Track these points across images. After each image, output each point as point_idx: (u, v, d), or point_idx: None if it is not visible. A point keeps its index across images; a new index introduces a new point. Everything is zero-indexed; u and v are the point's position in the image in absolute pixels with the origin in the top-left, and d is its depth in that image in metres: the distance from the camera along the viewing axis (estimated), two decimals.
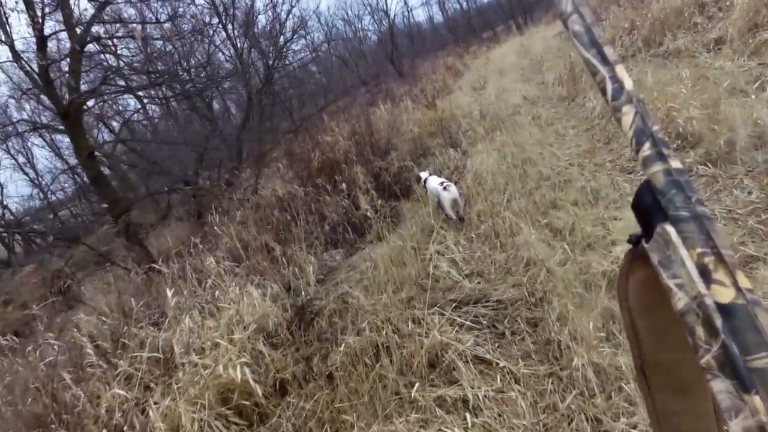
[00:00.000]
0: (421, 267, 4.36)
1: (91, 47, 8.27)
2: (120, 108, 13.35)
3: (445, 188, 5.00)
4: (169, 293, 4.33)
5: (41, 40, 7.21)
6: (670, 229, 0.41)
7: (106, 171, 11.03)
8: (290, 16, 14.57)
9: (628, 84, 0.45)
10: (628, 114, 0.45)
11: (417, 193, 6.20)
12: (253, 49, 13.24)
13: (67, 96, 7.52)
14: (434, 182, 5.28)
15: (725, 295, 0.37)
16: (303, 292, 4.84)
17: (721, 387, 0.36)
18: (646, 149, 0.44)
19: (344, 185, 6.76)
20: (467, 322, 3.39)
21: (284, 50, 14.39)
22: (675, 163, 0.42)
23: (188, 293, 4.80)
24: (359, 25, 25.03)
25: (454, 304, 3.66)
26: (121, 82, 8.65)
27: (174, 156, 10.71)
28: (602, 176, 4.65)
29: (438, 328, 3.22)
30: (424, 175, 5.62)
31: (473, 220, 4.94)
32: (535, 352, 2.92)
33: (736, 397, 0.35)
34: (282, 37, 13.99)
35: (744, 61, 5.45)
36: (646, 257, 0.44)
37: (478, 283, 3.91)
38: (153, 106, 13.12)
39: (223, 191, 8.54)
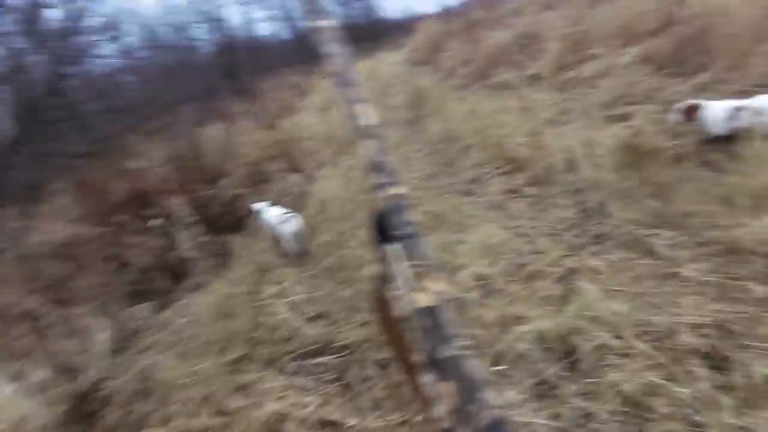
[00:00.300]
0: (254, 316, 4.05)
1: None
2: None
3: (284, 221, 4.77)
4: None
5: None
6: (393, 247, 0.49)
7: None
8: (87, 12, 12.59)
9: (372, 119, 0.54)
10: (368, 145, 0.54)
11: (250, 228, 5.83)
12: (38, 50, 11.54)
13: None
14: (271, 214, 5.01)
15: (426, 300, 0.46)
16: (83, 374, 3.83)
17: (427, 379, 0.43)
18: (377, 177, 0.53)
19: (158, 221, 5.82)
20: (309, 381, 3.19)
21: (80, 53, 12.72)
22: (395, 190, 0.52)
23: None
24: (190, 34, 23.60)
25: (294, 358, 3.44)
26: None
27: None
28: (445, 200, 4.98)
29: (274, 394, 2.98)
30: (257, 207, 5.30)
31: (317, 253, 4.87)
32: (387, 398, 2.81)
33: (437, 385, 0.42)
34: (76, 37, 12.24)
35: (553, 95, 6.46)
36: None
37: (323, 327, 3.72)
38: None
39: None
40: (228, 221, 6.12)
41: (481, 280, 3.35)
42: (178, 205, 5.79)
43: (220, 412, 2.96)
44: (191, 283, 4.96)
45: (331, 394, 2.99)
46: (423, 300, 0.47)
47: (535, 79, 7.74)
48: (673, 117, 4.09)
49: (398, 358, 0.61)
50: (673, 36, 6.09)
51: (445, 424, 0.42)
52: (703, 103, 3.94)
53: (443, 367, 0.43)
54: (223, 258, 5.31)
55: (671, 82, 5.43)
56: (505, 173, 4.96)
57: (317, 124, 10.99)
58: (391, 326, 0.58)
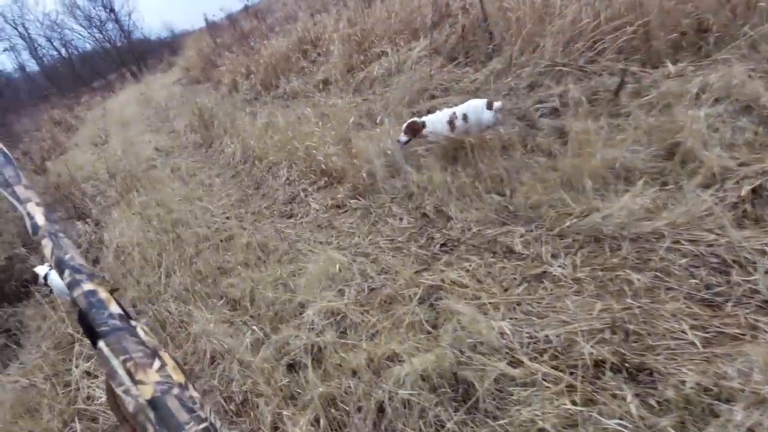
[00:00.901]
0: (65, 405, 2.97)
1: None
2: None
3: (74, 283, 3.60)
4: None
5: None
6: (102, 344, 0.44)
7: None
8: None
9: (40, 220, 0.49)
10: (47, 246, 0.48)
11: (41, 293, 4.44)
12: None
13: None
14: (58, 279, 3.77)
15: (147, 391, 0.42)
16: None
17: None
18: (67, 276, 0.49)
19: None
20: None
21: None
22: (87, 286, 0.47)
23: None
24: None
25: None
26: None
27: None
28: (264, 226, 4.14)
29: None
30: (42, 270, 3.95)
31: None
32: None
33: None
34: None
35: (351, 98, 5.88)
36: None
37: None
38: None
39: None
40: (9, 290, 5.06)
41: (332, 315, 2.68)
42: None
43: None
44: None
45: None
46: (146, 392, 0.42)
47: (325, 84, 7.04)
48: (402, 139, 3.74)
49: None
50: (456, 26, 5.55)
51: None
52: (424, 119, 3.78)
53: None
54: (13, 335, 4.38)
55: (467, 72, 5.02)
56: (322, 188, 4.27)
57: (95, 161, 9.05)
58: (129, 424, 0.47)
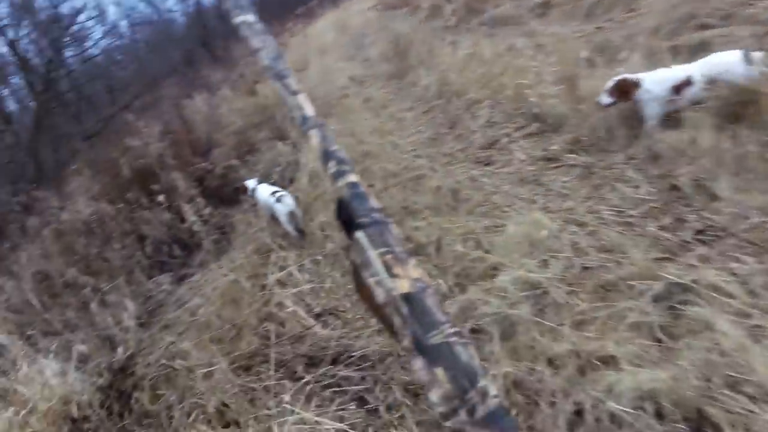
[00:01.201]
0: (260, 305, 3.23)
1: None
2: None
3: (278, 200, 3.85)
4: None
5: None
6: (360, 234, 0.46)
7: None
8: None
9: (310, 111, 0.52)
10: (314, 137, 0.51)
11: (247, 203, 4.92)
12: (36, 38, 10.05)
13: None
14: (265, 192, 4.08)
15: (404, 286, 0.43)
16: (120, 347, 3.39)
17: (418, 365, 0.40)
18: (332, 167, 0.52)
19: (162, 196, 5.23)
20: (327, 395, 2.34)
21: (65, 39, 11.09)
22: (352, 177, 0.50)
23: None
24: (163, 7, 21.17)
25: (307, 364, 2.60)
26: None
27: None
28: (457, 170, 3.84)
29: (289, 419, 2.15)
30: (251, 184, 4.32)
31: (316, 234, 3.85)
32: None
33: (428, 372, 0.40)
34: (58, 24, 10.59)
35: (579, 26, 4.95)
36: None
37: (333, 328, 2.87)
38: None
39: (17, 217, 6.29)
40: (225, 193, 5.52)
41: (531, 287, 2.27)
42: (178, 179, 5.40)
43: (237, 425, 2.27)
44: (201, 257, 4.52)
45: (355, 418, 2.18)
46: (402, 286, 0.43)
47: (545, 7, 6.01)
48: (604, 100, 3.01)
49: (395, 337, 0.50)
50: None
51: (440, 409, 0.38)
52: (640, 77, 2.87)
53: (433, 354, 0.39)
54: (226, 233, 4.84)
55: None
56: (532, 135, 3.68)
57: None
58: (379, 313, 0.50)
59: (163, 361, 2.99)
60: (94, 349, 3.39)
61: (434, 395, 0.40)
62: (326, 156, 0.54)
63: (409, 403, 2.18)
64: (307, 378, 2.48)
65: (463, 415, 0.38)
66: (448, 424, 0.38)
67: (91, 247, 4.90)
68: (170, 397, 2.63)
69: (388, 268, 0.44)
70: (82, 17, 12.41)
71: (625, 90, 2.92)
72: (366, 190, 0.51)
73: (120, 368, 3.20)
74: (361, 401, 2.31)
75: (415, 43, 7.63)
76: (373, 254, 0.45)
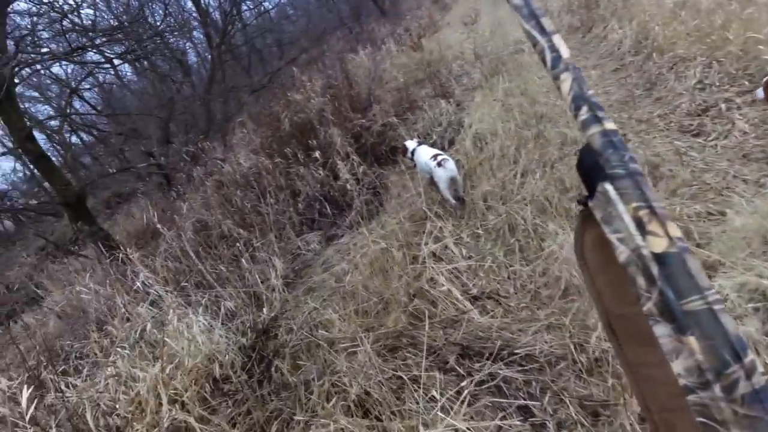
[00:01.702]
0: (411, 279, 3.00)
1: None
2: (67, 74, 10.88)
3: (439, 164, 3.56)
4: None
5: None
6: (608, 186, 0.39)
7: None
8: None
9: (565, 52, 0.44)
10: (566, 81, 0.43)
11: (403, 164, 4.74)
12: None
13: None
14: (425, 154, 3.80)
15: (659, 244, 0.36)
16: (265, 309, 3.54)
17: (662, 331, 0.36)
18: (584, 113, 0.42)
19: (318, 152, 5.33)
20: (484, 398, 2.03)
21: None
22: (609, 125, 0.41)
23: (120, 324, 3.44)
24: None
25: (461, 355, 2.32)
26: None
27: (135, 125, 9.06)
28: (655, 140, 3.14)
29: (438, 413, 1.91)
30: (411, 145, 4.07)
31: (477, 205, 3.51)
32: None
33: (675, 339, 0.35)
34: None
35: None
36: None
37: (492, 315, 2.56)
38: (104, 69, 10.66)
39: (185, 166, 6.97)
40: (381, 152, 5.49)
41: (763, 298, 1.75)
42: (335, 135, 5.41)
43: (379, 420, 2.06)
44: (351, 218, 4.51)
45: None
46: (656, 245, 0.35)
47: None
48: (760, 95, 2.64)
49: (603, 311, 0.47)
50: None
51: (686, 382, 0.34)
52: None
53: (687, 322, 0.34)
54: (379, 194, 4.75)
55: None
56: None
57: (463, 41, 9.11)
58: (605, 271, 0.44)
59: (305, 331, 2.95)
60: (241, 306, 3.50)
61: (679, 366, 0.34)
62: (578, 101, 0.41)
63: (586, 423, 1.81)
64: (460, 371, 2.22)
65: (717, 390, 0.33)
66: (691, 398, 0.33)
67: (247, 200, 5.13)
68: (310, 371, 2.55)
69: (640, 225, 0.35)
70: None
71: None
72: (621, 138, 0.40)
73: (264, 329, 3.25)
74: (524, 412, 1.98)
75: None
76: (622, 208, 0.36)
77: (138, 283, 3.42)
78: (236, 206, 5.19)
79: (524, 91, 4.99)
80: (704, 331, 0.34)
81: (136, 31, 7.09)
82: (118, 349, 3.06)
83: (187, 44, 12.94)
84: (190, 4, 10.53)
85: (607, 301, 0.48)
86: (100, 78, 11.22)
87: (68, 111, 9.47)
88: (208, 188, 5.86)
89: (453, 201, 3.57)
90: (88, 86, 10.49)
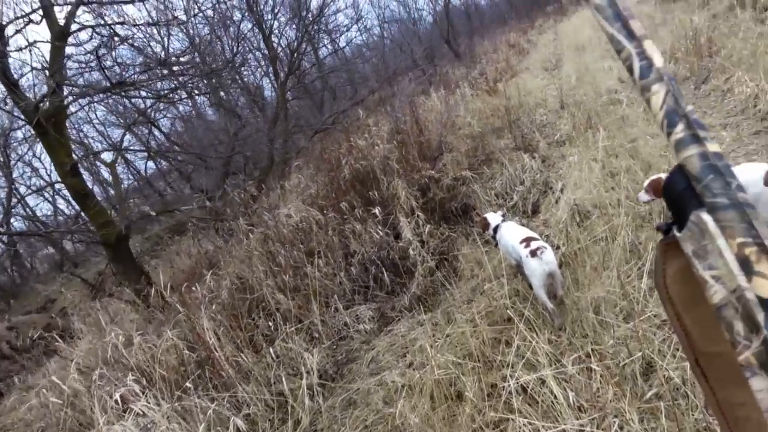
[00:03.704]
0: (486, 423, 2.14)
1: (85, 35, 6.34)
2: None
3: (534, 253, 2.57)
4: None
5: None
6: (706, 217, 0.34)
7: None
8: None
9: (658, 60, 0.36)
10: (658, 93, 0.36)
11: (476, 233, 3.77)
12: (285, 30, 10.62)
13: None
14: (513, 236, 2.83)
15: (765, 287, 0.31)
16: (290, 422, 2.66)
17: (761, 386, 0.32)
18: (679, 131, 0.35)
19: (379, 208, 4.54)
20: None
21: (313, 30, 11.44)
22: (712, 147, 0.34)
23: None
24: (414, 5, 21.79)
25: None
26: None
27: (194, 162, 8.73)
28: None
29: None
30: (494, 219, 3.09)
31: (585, 316, 2.47)
32: None
33: None
34: (309, 13, 10.70)
35: None
36: (680, 247, 0.37)
37: None
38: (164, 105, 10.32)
39: (233, 212, 6.36)
40: (451, 210, 4.65)
41: None
42: (399, 187, 4.72)
43: None
44: (411, 294, 3.73)
45: None
46: (764, 288, 0.30)
47: None
48: (642, 198, 2.61)
49: (689, 348, 0.40)
50: None
51: None
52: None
53: None
54: (446, 260, 4.00)
55: None
56: None
57: (545, 86, 8.10)
58: (693, 308, 0.38)
59: None
60: (259, 415, 2.77)
61: None
62: (673, 116, 0.31)
63: None
64: None
65: None
66: None
67: (292, 259, 4.41)
68: None
69: (745, 264, 0.30)
70: (332, 11, 12.86)
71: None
72: (727, 163, 0.31)
73: None
74: None
75: (719, 38, 5.50)
76: (722, 242, 0.31)
77: (116, 396, 2.59)
78: (280, 265, 4.40)
79: (633, 152, 3.92)
80: None
81: (202, 66, 6.70)
82: None
83: (264, 79, 12.80)
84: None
85: (694, 338, 0.40)
86: (178, 109, 11.23)
87: (120, 146, 9.36)
88: (251, 240, 5.11)
89: (550, 306, 2.56)
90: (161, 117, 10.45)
